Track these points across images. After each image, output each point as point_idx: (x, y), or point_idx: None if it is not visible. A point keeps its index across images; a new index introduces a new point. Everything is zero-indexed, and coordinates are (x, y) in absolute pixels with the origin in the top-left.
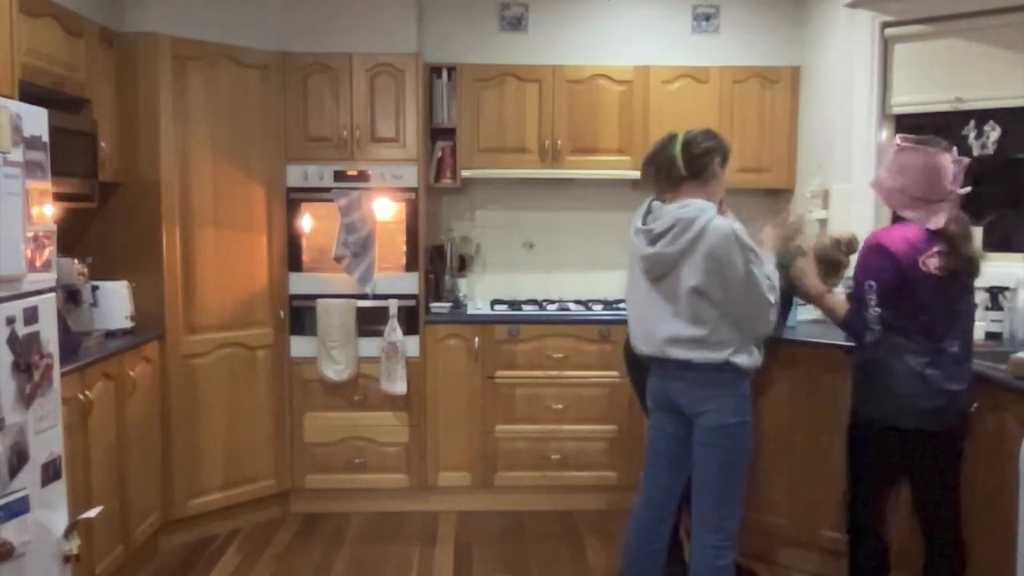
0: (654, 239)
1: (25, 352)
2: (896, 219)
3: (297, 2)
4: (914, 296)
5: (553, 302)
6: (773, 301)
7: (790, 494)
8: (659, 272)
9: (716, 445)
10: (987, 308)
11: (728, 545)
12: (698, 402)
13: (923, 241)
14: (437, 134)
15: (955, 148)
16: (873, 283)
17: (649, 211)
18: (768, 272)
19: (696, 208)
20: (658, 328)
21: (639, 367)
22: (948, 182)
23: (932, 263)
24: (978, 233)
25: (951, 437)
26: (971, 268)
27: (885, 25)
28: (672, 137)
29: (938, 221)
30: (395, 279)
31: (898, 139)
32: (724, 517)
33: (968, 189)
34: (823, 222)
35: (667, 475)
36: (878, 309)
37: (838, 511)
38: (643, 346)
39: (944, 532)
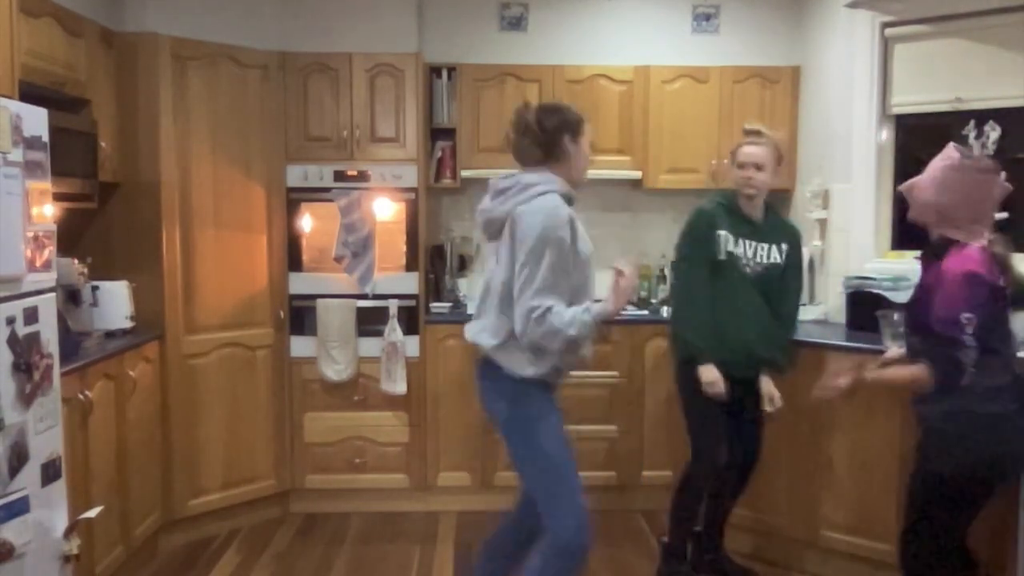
0: (493, 195)
1: (25, 352)
2: (938, 245)
3: (297, 2)
4: (1004, 325)
5: None
6: (533, 306)
7: (790, 494)
8: (490, 234)
9: (508, 442)
10: None
11: (550, 547)
12: (482, 393)
13: (992, 258)
14: (437, 134)
15: (1004, 173)
16: (971, 315)
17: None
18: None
19: (539, 177)
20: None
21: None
22: (990, 207)
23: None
24: None
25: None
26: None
27: (885, 25)
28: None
29: (982, 240)
30: (395, 279)
31: (954, 150)
32: (546, 516)
33: (1005, 215)
34: (823, 222)
35: None
36: (975, 345)
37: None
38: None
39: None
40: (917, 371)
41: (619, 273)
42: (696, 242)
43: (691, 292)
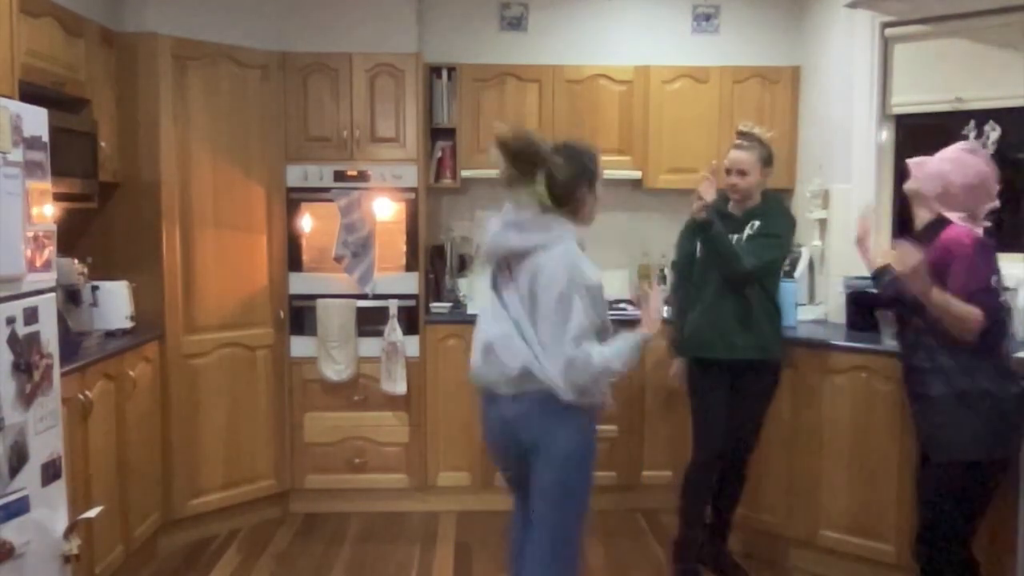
0: (508, 226)
1: (25, 352)
2: (931, 226)
3: (297, 2)
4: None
5: None
6: (574, 356)
7: (790, 494)
8: (499, 263)
9: (557, 475)
10: None
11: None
12: (528, 429)
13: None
14: (437, 134)
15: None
16: (997, 277)
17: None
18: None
19: (557, 221)
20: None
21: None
22: (986, 201)
23: None
24: None
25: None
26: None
27: (885, 25)
28: (533, 167)
29: (978, 230)
30: (395, 279)
31: (971, 145)
32: (551, 548)
33: (988, 224)
34: (823, 222)
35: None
36: (1008, 306)
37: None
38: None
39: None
40: (974, 311)
41: (643, 297)
42: (679, 242)
43: (671, 290)
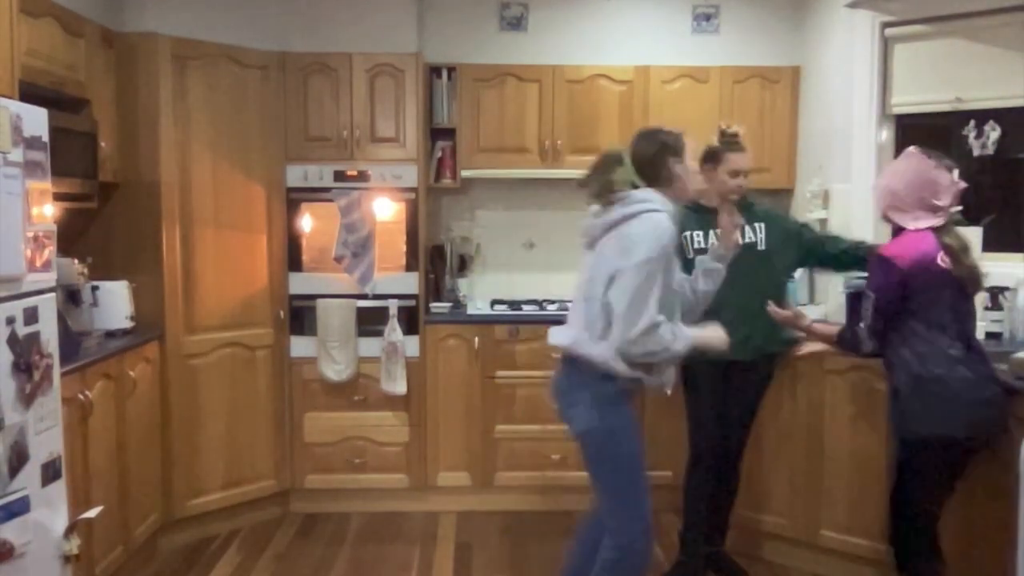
0: (602, 205)
1: (25, 352)
2: (896, 232)
3: (297, 2)
4: (945, 304)
5: (553, 302)
6: (647, 321)
7: (790, 494)
8: (586, 242)
9: (584, 448)
10: (987, 308)
11: (613, 550)
12: (561, 400)
13: (935, 243)
14: (437, 134)
15: (956, 171)
16: (872, 294)
17: None
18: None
19: (649, 195)
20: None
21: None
22: (937, 197)
23: (947, 261)
24: (977, 238)
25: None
26: (975, 278)
27: (885, 25)
28: (617, 159)
29: (918, 224)
30: (395, 279)
31: (911, 148)
32: (610, 519)
33: (960, 208)
34: (823, 222)
35: None
36: (866, 322)
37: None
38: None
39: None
40: (831, 332)
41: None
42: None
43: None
